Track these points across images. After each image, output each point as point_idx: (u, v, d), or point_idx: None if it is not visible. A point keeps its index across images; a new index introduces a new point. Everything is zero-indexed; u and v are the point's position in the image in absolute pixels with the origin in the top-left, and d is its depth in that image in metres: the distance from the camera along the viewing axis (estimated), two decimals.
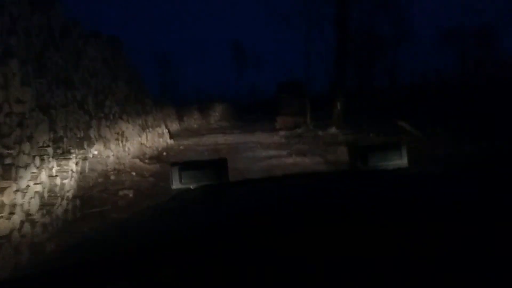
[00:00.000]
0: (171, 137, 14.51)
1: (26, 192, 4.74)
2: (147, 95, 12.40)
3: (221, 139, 16.47)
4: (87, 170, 7.57)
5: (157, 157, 11.10)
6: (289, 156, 10.71)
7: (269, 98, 44.94)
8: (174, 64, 50.12)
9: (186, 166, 1.48)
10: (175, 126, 21.85)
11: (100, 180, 8.09)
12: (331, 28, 18.92)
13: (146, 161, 10.32)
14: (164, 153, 12.05)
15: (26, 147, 4.92)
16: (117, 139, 9.25)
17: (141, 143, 11.13)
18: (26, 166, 4.85)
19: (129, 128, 10.04)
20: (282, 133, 16.65)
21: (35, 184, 4.98)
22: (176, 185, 1.45)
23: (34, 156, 5.09)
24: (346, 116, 16.13)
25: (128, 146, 9.88)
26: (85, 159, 7.50)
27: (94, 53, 8.51)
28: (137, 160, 9.76)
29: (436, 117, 13.39)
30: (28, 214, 4.80)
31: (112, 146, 8.97)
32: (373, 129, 14.15)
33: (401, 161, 1.47)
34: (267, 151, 11.98)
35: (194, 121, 25.25)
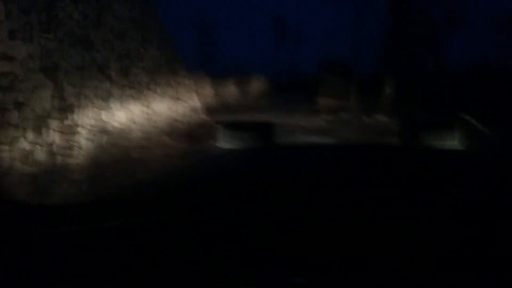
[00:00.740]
0: (205, 112, 13.33)
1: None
2: (181, 64, 11.17)
3: (258, 118, 15.18)
4: (105, 144, 6.52)
5: (189, 135, 9.96)
6: None
7: (309, 77, 43.16)
8: (213, 33, 48.67)
9: (234, 126, 1.54)
10: (210, 99, 20.74)
11: (119, 157, 7.04)
12: (385, 4, 16.93)
13: (177, 138, 9.22)
14: (197, 131, 10.90)
15: (13, 116, 3.85)
16: (143, 111, 8.15)
17: (172, 117, 10.01)
18: (11, 141, 3.78)
19: (157, 100, 8.90)
20: (324, 116, 15.15)
21: (22, 163, 3.93)
22: (222, 143, 1.50)
23: (24, 128, 4.02)
24: (396, 102, 14.43)
25: (155, 120, 8.79)
26: (103, 132, 6.44)
27: (121, 10, 7.34)
28: (167, 138, 8.65)
29: (498, 110, 11.55)
30: None
31: (137, 119, 7.88)
32: (428, 120, 12.40)
33: (453, 142, 1.42)
34: (309, 136, 10.62)
35: (230, 95, 24.05)
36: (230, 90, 24.19)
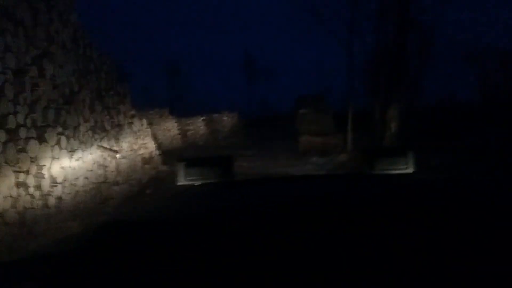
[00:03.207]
0: (164, 161, 10.05)
1: None
2: (127, 103, 7.97)
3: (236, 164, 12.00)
4: None
5: (133, 201, 6.66)
6: None
7: (281, 113, 40.88)
8: (182, 72, 45.89)
9: (193, 162, 1.47)
10: (175, 142, 17.53)
11: None
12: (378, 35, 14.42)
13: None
14: (148, 191, 7.59)
15: None
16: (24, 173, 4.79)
17: (103, 177, 6.67)
18: None
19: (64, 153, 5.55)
20: (313, 159, 12.12)
21: None
22: (182, 180, 1.44)
23: None
24: (401, 139, 11.64)
25: (68, 190, 5.43)
26: None
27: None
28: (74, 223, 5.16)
29: None
30: None
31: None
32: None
33: (406, 168, 1.42)
34: None
35: (199, 136, 20.87)
36: (200, 130, 21.02)
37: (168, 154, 14.80)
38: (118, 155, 6.43)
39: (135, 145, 8.02)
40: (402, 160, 1.45)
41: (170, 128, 17.23)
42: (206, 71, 63.32)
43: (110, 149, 6.13)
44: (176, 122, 17.82)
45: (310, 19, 15.13)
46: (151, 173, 8.78)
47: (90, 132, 5.92)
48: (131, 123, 7.88)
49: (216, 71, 73.63)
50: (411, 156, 1.45)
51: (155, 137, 10.03)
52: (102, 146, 5.99)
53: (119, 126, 7.05)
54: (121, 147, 7.03)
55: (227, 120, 24.93)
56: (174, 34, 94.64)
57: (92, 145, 5.79)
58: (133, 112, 8.14)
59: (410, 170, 1.43)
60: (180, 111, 29.82)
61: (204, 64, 72.10)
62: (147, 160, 8.59)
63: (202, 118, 21.33)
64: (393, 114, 11.47)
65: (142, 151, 8.37)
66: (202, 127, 21.22)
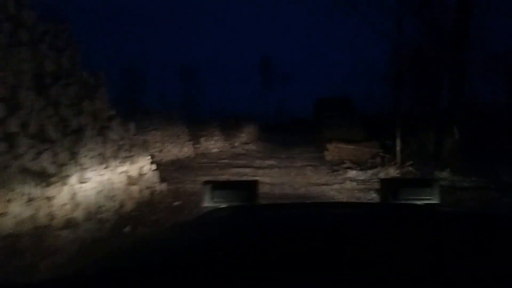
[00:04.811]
0: (162, 177, 7.49)
1: None
2: (94, 96, 5.41)
3: (256, 177, 9.39)
4: None
5: (93, 250, 4.08)
6: None
7: (298, 118, 38.31)
8: (197, 79, 43.70)
9: (219, 185, 1.44)
10: (186, 150, 15.05)
11: None
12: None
13: None
14: (127, 229, 5.03)
15: None
16: None
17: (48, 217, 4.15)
18: None
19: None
20: (352, 173, 9.37)
21: None
22: (207, 203, 1.41)
23: None
24: (462, 152, 8.82)
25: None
26: None
27: None
28: None
29: None
30: None
31: None
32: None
33: (431, 199, 1.38)
34: None
35: (214, 143, 18.31)
36: (215, 137, 18.48)
37: (173, 165, 12.30)
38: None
39: (114, 159, 5.47)
40: (427, 190, 1.37)
41: (180, 133, 14.73)
42: (222, 76, 61.09)
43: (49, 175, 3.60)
44: (187, 127, 15.30)
45: (345, 14, 12.39)
46: (141, 196, 6.22)
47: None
48: (107, 127, 5.33)
49: (232, 76, 71.46)
50: (436, 187, 1.38)
51: (147, 147, 7.47)
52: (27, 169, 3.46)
53: (79, 132, 4.51)
54: (81, 164, 4.48)
55: (244, 127, 22.31)
56: (190, 37, 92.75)
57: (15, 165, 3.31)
58: (111, 112, 5.60)
59: (435, 201, 1.36)
60: (194, 115, 27.48)
61: (219, 69, 69.95)
62: (134, 180, 6.04)
63: (216, 122, 18.78)
64: (455, 119, 8.67)
65: (126, 167, 5.82)
66: (216, 133, 18.67)
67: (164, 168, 10.73)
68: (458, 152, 8.48)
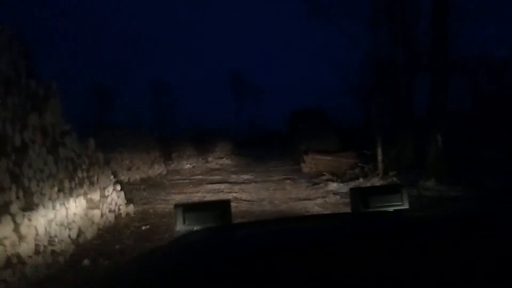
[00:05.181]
0: (128, 198, 6.73)
1: None
2: (44, 107, 4.69)
3: (227, 196, 8.69)
4: None
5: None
6: None
7: (272, 131, 37.92)
8: (169, 95, 42.76)
9: (190, 208, 1.43)
10: (157, 167, 14.20)
11: None
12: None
13: None
14: (86, 261, 4.27)
15: None
16: None
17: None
18: None
19: None
20: (333, 185, 8.85)
21: None
22: (180, 226, 1.40)
23: None
24: (444, 161, 8.50)
25: None
26: None
27: None
28: None
29: None
30: None
31: None
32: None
33: (401, 204, 1.42)
34: None
35: (187, 159, 17.52)
36: (188, 152, 17.69)
37: (143, 183, 11.47)
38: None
39: (70, 181, 4.72)
40: (397, 197, 1.42)
41: (150, 150, 13.90)
42: (194, 92, 60.31)
43: None
44: (158, 143, 14.48)
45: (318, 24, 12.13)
46: (103, 221, 5.44)
47: None
48: (59, 144, 4.59)
49: (204, 91, 70.68)
50: (405, 193, 1.43)
51: (111, 166, 6.72)
52: None
53: (23, 150, 3.74)
54: (25, 189, 3.72)
55: (218, 141, 21.62)
56: (161, 53, 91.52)
57: None
58: (65, 127, 4.86)
59: (404, 206, 1.39)
60: (165, 132, 26.57)
61: (191, 84, 69.18)
62: (94, 203, 5.27)
63: (188, 138, 18.04)
64: (438, 126, 8.33)
65: (84, 189, 5.06)
66: (189, 149, 17.90)
67: (132, 188, 9.90)
68: (442, 161, 8.15)
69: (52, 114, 4.55)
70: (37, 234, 3.94)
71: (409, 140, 9.84)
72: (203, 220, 1.40)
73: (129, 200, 6.78)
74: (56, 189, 4.42)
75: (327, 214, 5.17)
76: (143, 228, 5.63)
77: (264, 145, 28.36)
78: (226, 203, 1.47)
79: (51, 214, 4.17)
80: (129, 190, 7.32)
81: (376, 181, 8.28)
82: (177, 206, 1.42)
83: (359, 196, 1.47)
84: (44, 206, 4.05)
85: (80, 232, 4.73)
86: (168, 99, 42.40)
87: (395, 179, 8.08)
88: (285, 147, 23.04)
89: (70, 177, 4.83)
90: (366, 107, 23.87)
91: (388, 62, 11.76)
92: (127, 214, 6.31)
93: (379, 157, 8.81)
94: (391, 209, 1.39)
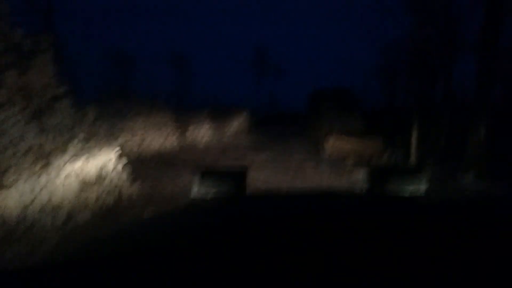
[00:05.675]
0: (135, 175, 5.99)
1: None
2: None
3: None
4: None
5: None
6: None
7: (292, 110, 36.84)
8: (189, 67, 41.89)
9: (208, 173, 1.40)
10: (171, 141, 13.52)
11: None
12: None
13: None
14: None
15: None
16: None
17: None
18: None
19: None
20: (360, 174, 7.95)
21: None
22: (196, 189, 1.38)
23: None
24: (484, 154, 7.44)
25: None
26: None
27: None
28: None
29: None
30: None
31: None
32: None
33: (420, 187, 1.34)
34: None
35: (203, 133, 16.80)
36: (204, 126, 16.93)
37: (154, 159, 10.78)
38: None
39: (61, 153, 3.96)
40: (416, 178, 1.34)
41: (164, 123, 13.16)
42: (214, 65, 59.20)
43: None
44: (174, 115, 13.71)
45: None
46: (100, 203, 4.72)
47: None
48: (47, 110, 3.80)
49: (224, 65, 69.41)
50: (425, 174, 1.34)
51: (116, 137, 5.93)
52: None
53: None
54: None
55: (235, 117, 20.78)
56: (183, 25, 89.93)
57: None
58: (58, 90, 4.07)
59: (423, 187, 1.34)
60: (183, 104, 25.83)
61: (211, 57, 67.95)
62: (92, 181, 4.54)
63: (205, 112, 17.22)
64: (481, 115, 7.25)
65: (80, 163, 4.31)
66: (206, 123, 17.13)
67: (141, 163, 9.21)
68: (484, 154, 7.11)
69: (40, 73, 3.74)
70: (12, 219, 3.22)
71: (443, 128, 8.76)
72: (219, 186, 1.37)
73: (134, 179, 6.04)
74: (41, 163, 3.67)
75: (343, 192, 5.24)
76: (145, 215, 4.89)
77: (283, 123, 27.40)
78: (243, 172, 1.44)
79: (30, 194, 3.42)
80: (137, 167, 6.59)
81: None
82: (195, 171, 1.40)
83: (377, 175, 1.39)
84: (21, 184, 3.30)
85: (69, 216, 3.99)
86: (187, 72, 41.61)
87: (430, 169, 7.10)
88: (305, 127, 22.02)
89: (63, 149, 4.07)
90: (390, 89, 22.52)
91: (427, 41, 10.56)
92: (130, 195, 5.58)
93: (413, 145, 7.79)
94: (409, 189, 1.33)
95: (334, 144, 12.14)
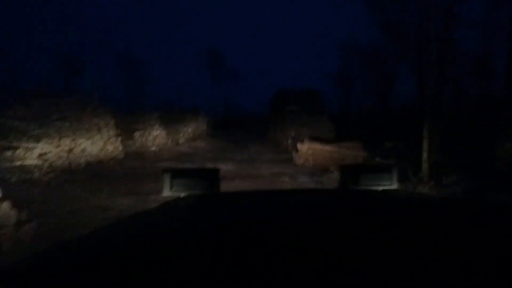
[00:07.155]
0: (41, 200, 3.72)
1: None
2: None
3: None
4: None
5: None
6: None
7: (250, 113, 34.98)
8: (140, 69, 38.75)
9: (178, 173, 1.36)
10: (112, 148, 11.04)
11: None
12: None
13: None
14: None
15: None
16: None
17: None
18: None
19: None
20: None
21: None
22: (166, 192, 1.33)
23: None
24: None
25: None
26: None
27: None
28: None
29: None
30: None
31: None
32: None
33: (390, 184, 1.35)
34: None
35: (153, 138, 14.35)
36: (155, 130, 14.48)
37: (87, 171, 8.34)
38: None
39: None
40: (386, 176, 1.34)
41: (103, 127, 10.68)
42: (168, 68, 56.15)
43: None
44: (114, 118, 11.23)
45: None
46: None
47: None
48: None
49: (179, 69, 66.31)
50: (395, 173, 1.33)
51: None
52: None
53: None
54: None
55: (190, 119, 18.42)
56: (136, 27, 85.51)
57: None
58: None
59: (394, 186, 1.32)
60: (133, 108, 23.04)
61: (165, 61, 64.70)
62: None
63: (156, 115, 14.83)
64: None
65: None
66: (156, 127, 14.71)
67: (65, 180, 6.81)
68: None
69: None
70: None
71: (457, 136, 7.14)
72: (191, 187, 1.31)
73: (31, 212, 3.76)
74: None
75: (316, 189, 4.80)
76: None
77: (242, 128, 25.32)
78: (215, 171, 1.39)
79: None
80: (61, 181, 4.33)
81: (427, 190, 5.58)
82: (164, 171, 1.33)
83: (349, 173, 1.38)
84: None
85: None
86: (137, 74, 38.70)
87: (454, 188, 5.39)
88: (266, 132, 20.16)
89: None
90: (346, 94, 21.34)
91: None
92: (18, 241, 3.30)
93: (425, 155, 6.05)
94: (380, 188, 1.31)
95: (307, 152, 10.31)
